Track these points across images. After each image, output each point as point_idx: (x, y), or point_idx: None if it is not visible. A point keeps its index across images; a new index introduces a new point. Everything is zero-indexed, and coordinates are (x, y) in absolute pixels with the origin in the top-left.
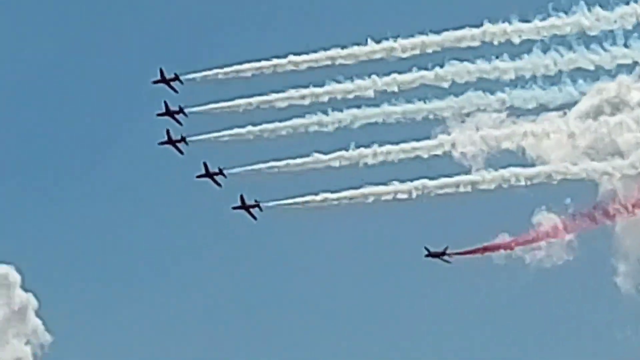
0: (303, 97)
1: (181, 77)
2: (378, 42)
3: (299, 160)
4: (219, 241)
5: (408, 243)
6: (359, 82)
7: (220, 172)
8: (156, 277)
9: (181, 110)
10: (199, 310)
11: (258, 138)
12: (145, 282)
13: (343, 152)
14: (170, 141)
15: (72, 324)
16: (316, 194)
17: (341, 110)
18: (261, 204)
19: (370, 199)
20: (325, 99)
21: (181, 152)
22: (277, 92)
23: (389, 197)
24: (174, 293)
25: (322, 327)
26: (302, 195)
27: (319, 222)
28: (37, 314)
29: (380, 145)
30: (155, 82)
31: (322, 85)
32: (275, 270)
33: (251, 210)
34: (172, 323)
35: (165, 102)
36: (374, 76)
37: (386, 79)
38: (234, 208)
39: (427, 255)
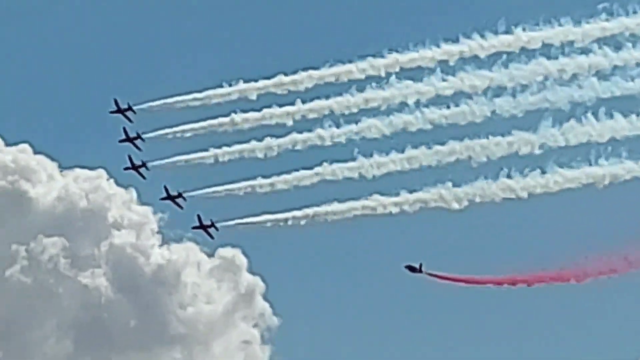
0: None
1: (134, 107)
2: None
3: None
4: None
5: None
6: (592, 56)
7: (180, 195)
8: None
9: (139, 137)
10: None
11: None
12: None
13: (573, 123)
14: (132, 167)
15: (299, 307)
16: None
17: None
18: (217, 224)
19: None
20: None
21: (144, 177)
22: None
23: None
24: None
25: None
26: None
27: None
28: (264, 297)
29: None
30: (112, 112)
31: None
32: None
33: (208, 229)
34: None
35: (124, 129)
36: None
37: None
38: (194, 228)
39: (405, 267)
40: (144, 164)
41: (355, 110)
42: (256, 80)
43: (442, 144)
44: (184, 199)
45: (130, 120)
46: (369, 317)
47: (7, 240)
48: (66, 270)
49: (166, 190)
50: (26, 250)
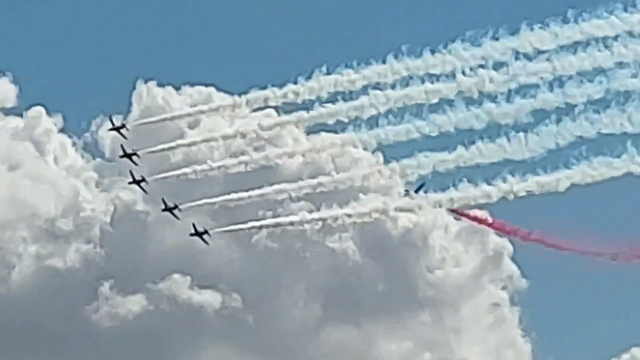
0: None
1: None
2: None
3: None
4: None
5: None
6: None
7: (176, 207)
8: None
9: (135, 153)
10: None
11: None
12: None
13: None
14: (134, 181)
15: (548, 269)
16: None
17: None
18: (210, 231)
19: None
20: None
21: (145, 192)
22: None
23: None
24: None
25: None
26: None
27: None
28: (512, 259)
29: None
30: (110, 129)
31: None
32: None
33: (203, 236)
34: None
35: (121, 146)
36: None
37: None
38: (191, 235)
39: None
40: (143, 179)
41: (608, 65)
42: (497, 39)
43: None
44: (180, 209)
45: (124, 137)
46: (619, 280)
47: (253, 206)
48: (313, 234)
49: (164, 202)
50: (273, 216)
